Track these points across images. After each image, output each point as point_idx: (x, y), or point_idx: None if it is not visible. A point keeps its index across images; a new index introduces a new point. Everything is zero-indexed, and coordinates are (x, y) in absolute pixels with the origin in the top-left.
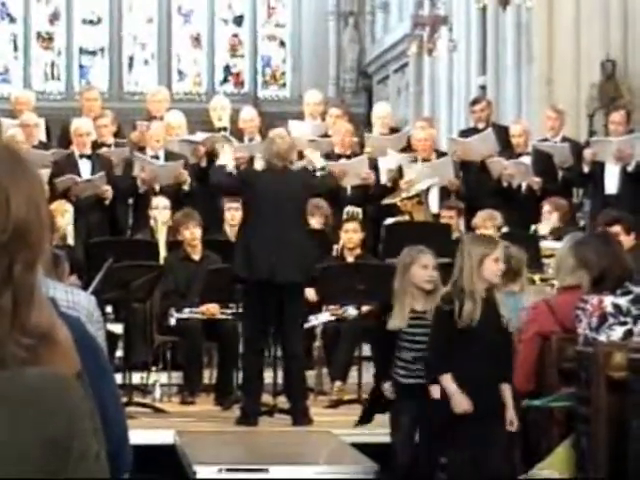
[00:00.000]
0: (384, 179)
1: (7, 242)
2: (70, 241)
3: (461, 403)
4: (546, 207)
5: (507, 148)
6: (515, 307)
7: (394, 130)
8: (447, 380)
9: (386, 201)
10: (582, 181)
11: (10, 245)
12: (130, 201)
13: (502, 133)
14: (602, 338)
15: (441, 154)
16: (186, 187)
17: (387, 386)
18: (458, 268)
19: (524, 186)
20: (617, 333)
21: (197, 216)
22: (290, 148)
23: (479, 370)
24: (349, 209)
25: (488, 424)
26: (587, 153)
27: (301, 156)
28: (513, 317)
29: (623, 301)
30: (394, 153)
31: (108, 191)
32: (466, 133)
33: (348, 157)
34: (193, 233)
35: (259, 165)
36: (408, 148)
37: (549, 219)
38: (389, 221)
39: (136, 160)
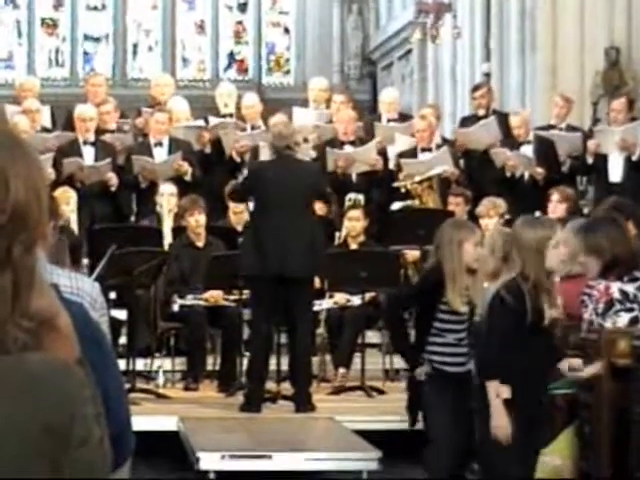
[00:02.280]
0: (392, 164)
1: (6, 224)
2: (73, 228)
3: (501, 423)
4: (555, 196)
5: (509, 136)
6: None
7: (402, 115)
8: (495, 389)
9: (397, 184)
10: (586, 170)
11: (9, 227)
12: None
13: (504, 121)
14: (608, 324)
15: (444, 141)
16: (188, 177)
17: (420, 370)
18: (520, 258)
19: (527, 175)
20: (623, 319)
21: (202, 202)
22: (292, 131)
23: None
24: (351, 196)
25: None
26: (591, 144)
27: (305, 140)
28: None
29: (630, 288)
30: (400, 136)
31: (113, 178)
32: (467, 120)
33: (352, 143)
34: (198, 220)
35: (264, 154)
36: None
37: (557, 209)
38: (395, 206)
39: (135, 161)
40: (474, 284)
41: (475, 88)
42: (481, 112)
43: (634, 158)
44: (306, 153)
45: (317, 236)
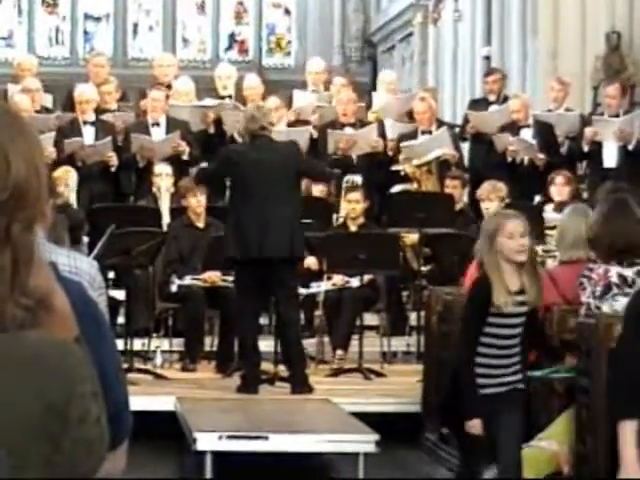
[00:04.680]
0: (390, 146)
1: (6, 201)
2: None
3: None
4: (559, 179)
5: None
6: None
7: None
8: (626, 432)
9: (395, 167)
10: (582, 156)
11: (9, 204)
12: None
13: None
14: (605, 307)
15: (442, 124)
16: (185, 157)
17: (476, 423)
18: None
19: (526, 159)
20: (620, 304)
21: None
22: (264, 112)
23: None
24: (349, 177)
25: None
26: (588, 132)
27: (305, 122)
28: None
29: (629, 272)
30: (396, 124)
31: (113, 157)
32: (477, 103)
33: (352, 125)
34: (199, 201)
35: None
36: (410, 116)
37: (562, 192)
38: (394, 189)
39: (133, 140)
40: (528, 279)
41: (488, 73)
42: (492, 97)
43: (630, 147)
44: (300, 134)
45: (296, 218)
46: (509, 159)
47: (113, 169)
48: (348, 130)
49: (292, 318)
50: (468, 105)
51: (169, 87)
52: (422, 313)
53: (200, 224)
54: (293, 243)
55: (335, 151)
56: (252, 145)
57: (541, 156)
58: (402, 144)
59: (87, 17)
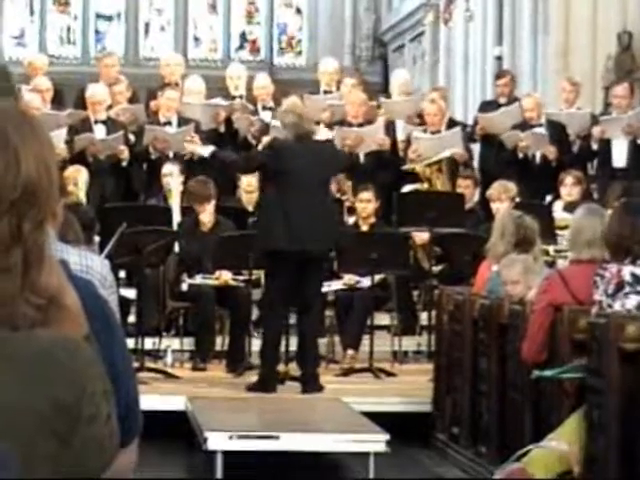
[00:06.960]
0: (401, 143)
1: (17, 200)
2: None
3: None
4: (569, 179)
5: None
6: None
7: None
8: None
9: (406, 167)
10: (591, 156)
11: (20, 203)
12: (144, 166)
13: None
14: (617, 305)
15: (452, 124)
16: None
17: None
18: None
19: (538, 156)
20: (632, 302)
21: (212, 187)
22: (313, 115)
23: None
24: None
25: None
26: (596, 131)
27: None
28: (501, 290)
29: None
30: (408, 126)
31: (124, 151)
32: (487, 105)
33: (360, 126)
34: (210, 208)
35: (275, 133)
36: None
37: (572, 191)
38: (405, 189)
39: (147, 131)
40: None
41: (498, 76)
42: (502, 100)
43: (639, 142)
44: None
45: (334, 216)
46: (520, 155)
47: (124, 163)
48: (358, 129)
49: (315, 318)
50: (479, 107)
51: (177, 86)
52: (433, 313)
53: (209, 224)
54: (332, 240)
55: (342, 148)
56: (298, 142)
57: (552, 149)
58: (413, 135)
59: (99, 16)
